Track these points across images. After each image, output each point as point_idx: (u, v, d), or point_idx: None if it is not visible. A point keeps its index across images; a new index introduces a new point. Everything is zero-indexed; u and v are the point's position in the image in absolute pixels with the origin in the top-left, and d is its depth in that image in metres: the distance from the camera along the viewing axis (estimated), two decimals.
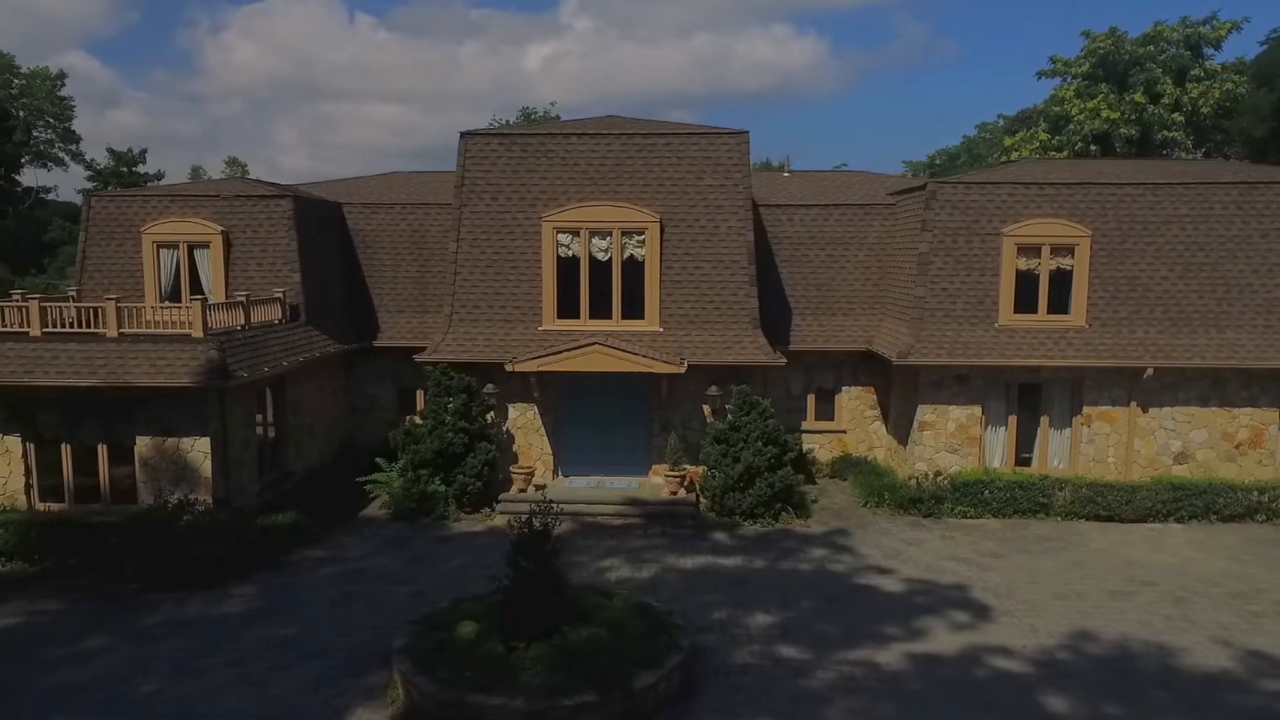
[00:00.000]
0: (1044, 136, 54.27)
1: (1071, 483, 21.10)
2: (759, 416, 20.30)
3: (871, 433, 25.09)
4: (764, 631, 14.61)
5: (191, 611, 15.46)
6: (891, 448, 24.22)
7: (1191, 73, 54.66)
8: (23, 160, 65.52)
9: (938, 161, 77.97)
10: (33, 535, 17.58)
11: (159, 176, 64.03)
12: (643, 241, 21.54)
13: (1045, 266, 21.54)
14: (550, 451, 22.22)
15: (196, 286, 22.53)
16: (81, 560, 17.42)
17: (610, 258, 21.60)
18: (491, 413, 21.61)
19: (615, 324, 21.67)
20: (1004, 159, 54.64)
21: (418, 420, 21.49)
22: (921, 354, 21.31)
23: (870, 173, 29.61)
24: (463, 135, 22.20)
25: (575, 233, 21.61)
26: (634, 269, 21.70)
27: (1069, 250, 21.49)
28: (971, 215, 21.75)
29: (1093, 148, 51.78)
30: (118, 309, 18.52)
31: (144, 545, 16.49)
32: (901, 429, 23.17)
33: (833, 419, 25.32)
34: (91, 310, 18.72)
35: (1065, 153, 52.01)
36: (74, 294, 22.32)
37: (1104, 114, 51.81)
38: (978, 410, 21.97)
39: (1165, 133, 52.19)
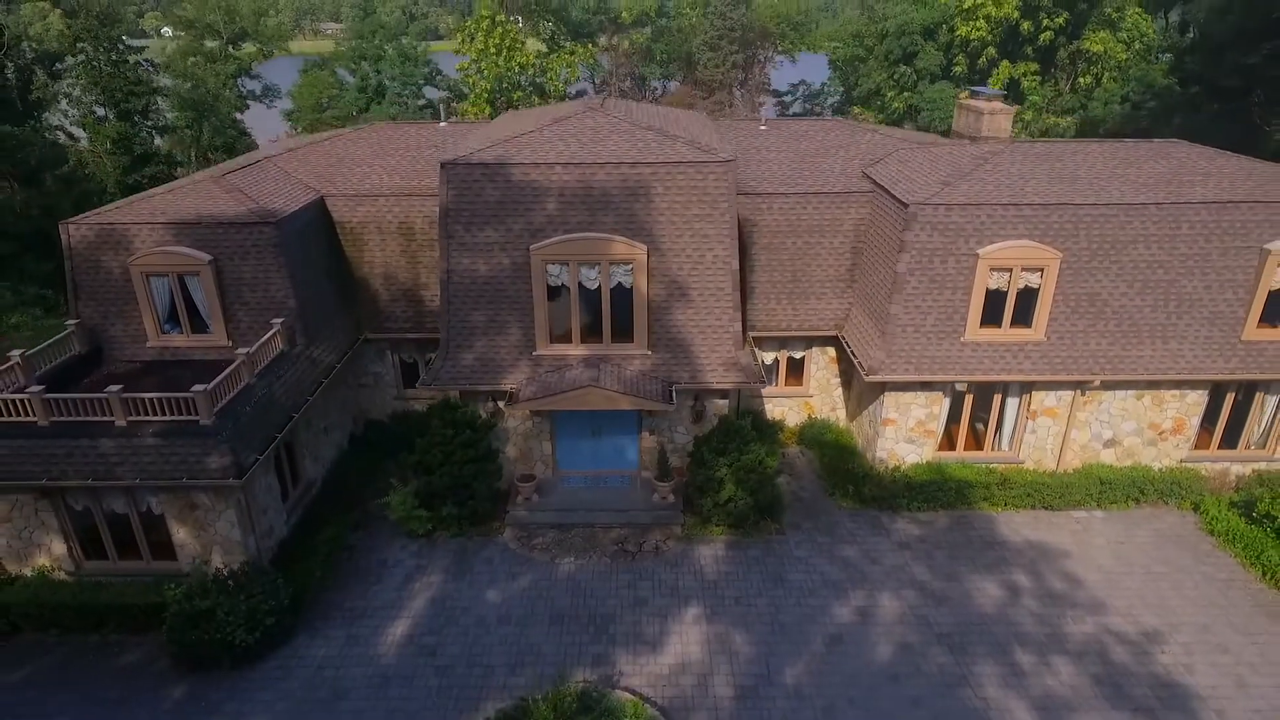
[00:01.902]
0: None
1: (1010, 480, 20.44)
2: (739, 447, 18.92)
3: (836, 398, 23.85)
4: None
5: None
6: (854, 413, 23.11)
7: None
8: None
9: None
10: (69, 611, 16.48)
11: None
12: (630, 270, 18.88)
13: (1014, 284, 19.41)
14: (550, 453, 20.86)
15: (194, 310, 19.69)
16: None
17: (599, 285, 19.01)
18: (494, 428, 19.99)
19: (606, 347, 19.53)
20: (958, 6, 48.69)
21: (427, 441, 19.76)
22: (891, 369, 19.66)
23: (845, 121, 25.68)
24: (443, 165, 18.56)
25: (564, 263, 18.83)
26: (623, 294, 19.19)
27: (1039, 270, 19.28)
28: (950, 237, 19.20)
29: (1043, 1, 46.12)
30: (122, 400, 16.11)
31: (182, 638, 15.47)
32: (864, 404, 21.94)
33: (801, 384, 23.93)
34: (97, 401, 16.25)
35: (1014, 3, 46.32)
36: (73, 327, 19.44)
37: None
38: (936, 408, 20.72)
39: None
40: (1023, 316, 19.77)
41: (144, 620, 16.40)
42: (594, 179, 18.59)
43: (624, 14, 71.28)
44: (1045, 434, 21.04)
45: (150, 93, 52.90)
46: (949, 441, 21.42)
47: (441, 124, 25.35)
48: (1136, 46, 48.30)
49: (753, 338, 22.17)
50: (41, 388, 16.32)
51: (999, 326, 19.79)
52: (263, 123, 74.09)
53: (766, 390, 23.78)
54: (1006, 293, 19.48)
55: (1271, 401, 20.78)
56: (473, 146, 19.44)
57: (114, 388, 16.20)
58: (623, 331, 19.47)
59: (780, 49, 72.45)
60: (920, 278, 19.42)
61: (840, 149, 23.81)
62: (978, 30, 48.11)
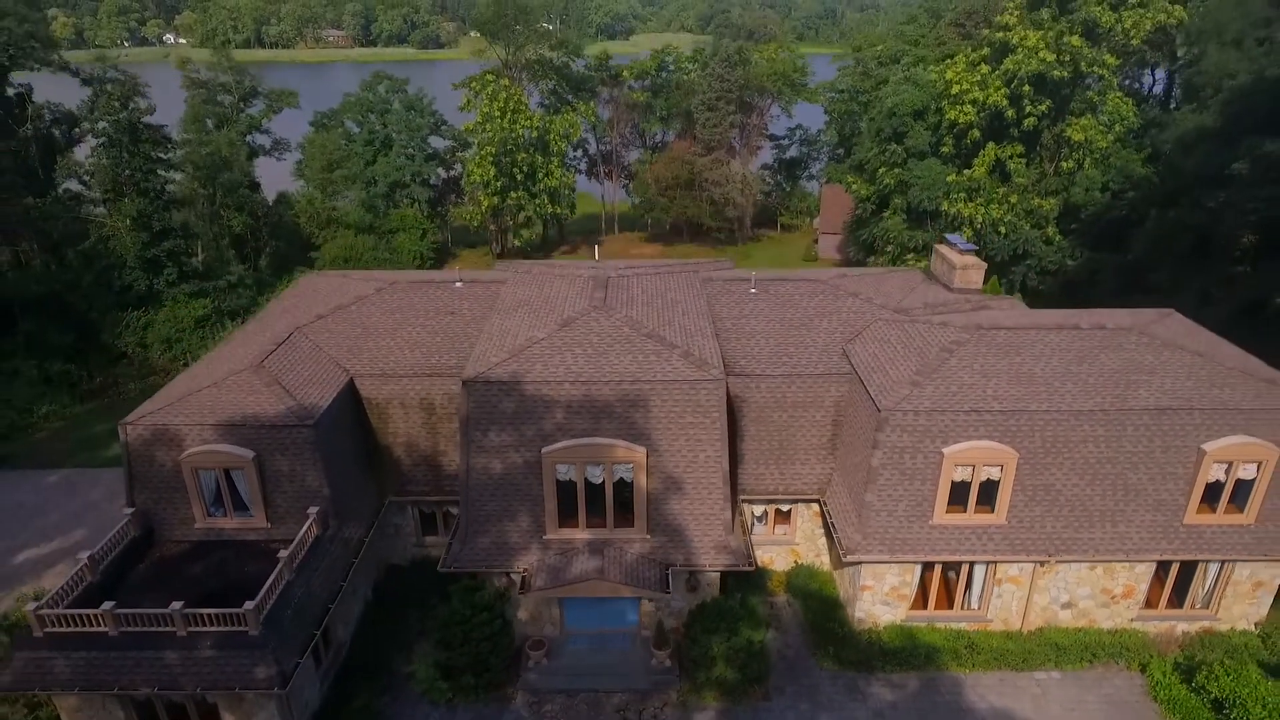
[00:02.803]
0: (985, 70, 49.73)
1: (977, 645, 22.57)
2: (729, 628, 21.05)
3: (820, 545, 25.98)
4: None
5: None
6: (836, 562, 25.20)
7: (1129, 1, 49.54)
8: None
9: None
10: None
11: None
12: (631, 468, 20.99)
13: (977, 477, 21.50)
14: (559, 616, 22.99)
15: (237, 496, 21.81)
16: None
17: (603, 480, 21.12)
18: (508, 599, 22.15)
19: (609, 532, 21.67)
20: (945, 92, 50.49)
21: (449, 608, 21.84)
22: (866, 551, 21.80)
23: (827, 281, 27.47)
24: (465, 383, 20.68)
25: (572, 463, 20.94)
26: (624, 487, 21.32)
27: (999, 465, 21.36)
28: (918, 437, 21.29)
29: (1026, 88, 47.89)
30: (183, 615, 18.24)
31: None
32: (844, 563, 24.02)
33: (788, 532, 26.04)
34: (161, 615, 18.35)
35: (1001, 93, 48.14)
36: (130, 514, 21.55)
37: (1041, 55, 47.33)
38: (909, 576, 22.86)
39: (1095, 69, 48.10)
40: (986, 501, 21.87)
41: None
42: (598, 393, 20.70)
43: (625, 72, 73.00)
44: (1010, 597, 23.18)
45: (168, 168, 54.69)
46: (923, 599, 23.58)
47: (457, 284, 27.37)
48: (1118, 129, 50.06)
49: (742, 500, 24.32)
50: (112, 604, 18.46)
51: (964, 511, 21.91)
52: (272, 174, 76.15)
53: (756, 537, 25.90)
54: (970, 483, 21.58)
55: (1213, 569, 22.90)
56: (490, 359, 21.50)
57: (176, 604, 18.34)
58: (624, 518, 21.60)
59: (778, 103, 74.21)
60: (892, 471, 21.52)
61: (823, 317, 25.82)
62: (964, 115, 49.94)
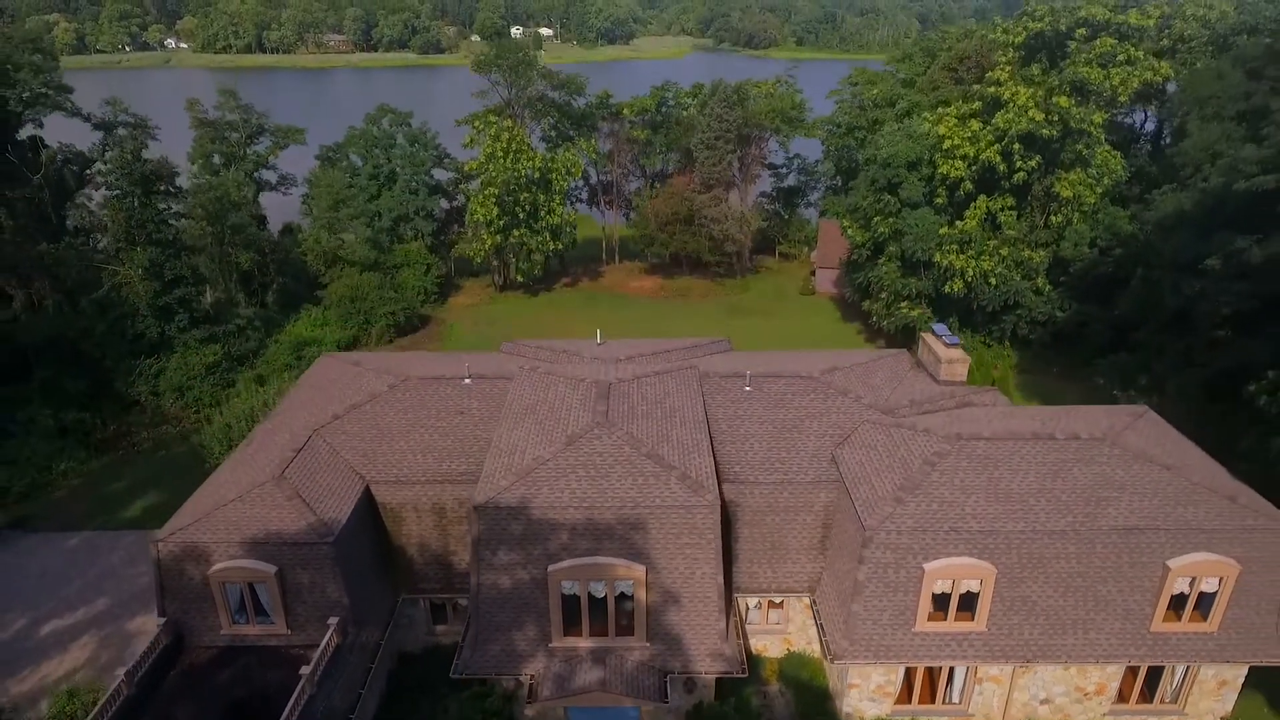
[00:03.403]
0: (975, 127, 50.92)
1: None
2: None
3: (811, 635, 27.34)
4: None
5: None
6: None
7: (1117, 58, 50.74)
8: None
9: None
10: None
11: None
12: (631, 584, 22.35)
13: (957, 590, 22.86)
14: (564, 714, 24.39)
15: (261, 608, 23.18)
16: None
17: (605, 595, 22.49)
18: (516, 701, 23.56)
19: (610, 640, 23.06)
20: (938, 145, 51.68)
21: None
22: (853, 656, 23.18)
23: (817, 379, 28.71)
24: (475, 508, 22.05)
25: (576, 580, 22.30)
26: (625, 600, 22.70)
27: (978, 579, 22.72)
28: (901, 553, 22.65)
29: (1016, 146, 49.12)
30: None
31: None
32: None
33: (781, 621, 27.41)
34: None
35: (993, 149, 49.36)
36: (161, 624, 22.92)
37: (1031, 114, 48.53)
38: (894, 675, 24.25)
39: (1083, 125, 49.25)
40: (967, 609, 23.23)
41: None
42: (600, 516, 22.06)
43: (625, 110, 74.09)
44: (991, 694, 24.58)
45: (178, 217, 55.88)
46: (908, 694, 24.97)
47: (465, 380, 28.65)
48: (1106, 182, 51.26)
49: (737, 595, 25.71)
50: None
51: (946, 619, 23.27)
52: (277, 202, 77.45)
53: (750, 626, 27.29)
54: (951, 594, 22.94)
55: (1180, 668, 24.29)
56: (499, 482, 22.84)
57: None
58: (625, 628, 22.97)
59: (775, 138, 75.32)
60: (876, 584, 22.88)
61: (814, 419, 27.08)
62: (956, 170, 51.15)
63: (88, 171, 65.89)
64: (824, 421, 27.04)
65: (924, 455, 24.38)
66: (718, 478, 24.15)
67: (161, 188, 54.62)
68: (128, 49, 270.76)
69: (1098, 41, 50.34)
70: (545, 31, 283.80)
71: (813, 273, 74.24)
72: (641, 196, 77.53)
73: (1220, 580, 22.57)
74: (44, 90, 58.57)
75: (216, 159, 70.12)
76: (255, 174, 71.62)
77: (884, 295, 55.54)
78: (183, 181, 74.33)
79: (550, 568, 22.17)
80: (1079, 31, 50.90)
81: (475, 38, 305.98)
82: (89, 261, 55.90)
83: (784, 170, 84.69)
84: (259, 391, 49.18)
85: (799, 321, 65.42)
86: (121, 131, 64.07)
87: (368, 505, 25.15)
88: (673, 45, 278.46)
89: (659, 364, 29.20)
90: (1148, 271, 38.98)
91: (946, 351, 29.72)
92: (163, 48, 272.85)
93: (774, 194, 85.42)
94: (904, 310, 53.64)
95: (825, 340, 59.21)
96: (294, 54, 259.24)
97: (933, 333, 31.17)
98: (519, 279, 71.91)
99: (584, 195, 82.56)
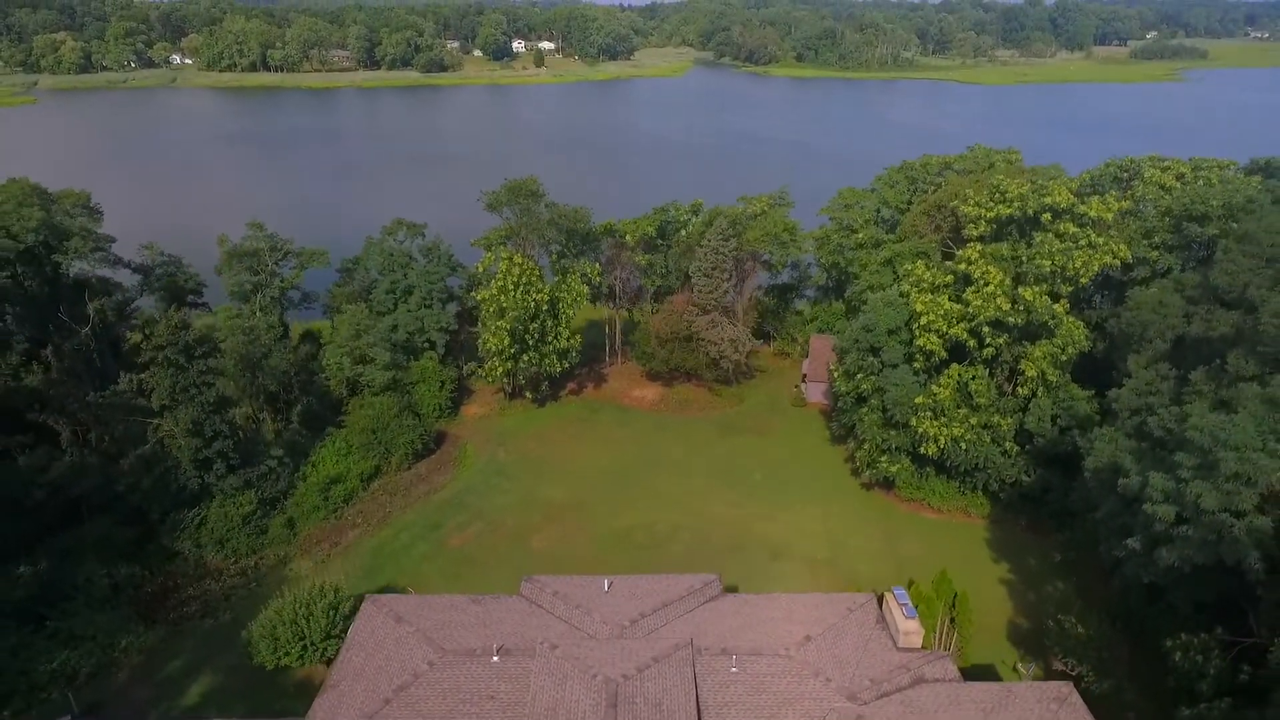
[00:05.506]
0: (947, 305, 55.34)
1: None
2: None
3: None
4: None
5: None
6: None
7: (1080, 243, 55.00)
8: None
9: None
10: None
11: None
12: None
13: None
14: None
15: None
16: None
17: None
18: None
19: None
20: (915, 316, 56.18)
21: None
22: None
23: (795, 660, 33.58)
24: None
25: None
26: None
27: None
28: None
29: (985, 328, 53.66)
30: None
31: None
32: None
33: None
34: None
35: (962, 327, 53.84)
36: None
37: (998, 302, 52.98)
38: None
39: (1045, 318, 53.54)
40: None
41: None
42: None
43: (627, 236, 78.37)
44: None
45: (217, 375, 60.39)
46: None
47: (494, 659, 33.48)
48: (1070, 352, 55.64)
49: None
50: None
51: None
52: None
53: None
54: None
55: None
56: None
57: None
58: None
59: (770, 259, 79.82)
60: None
61: (790, 704, 32.01)
62: (931, 343, 55.70)
63: (129, 308, 70.59)
64: (797, 709, 31.98)
65: None
66: None
67: (201, 351, 59.10)
68: (133, 65, 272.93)
69: (1060, 225, 54.65)
70: (547, 45, 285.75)
71: (804, 378, 78.93)
72: (642, 311, 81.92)
73: None
74: (88, 246, 63.09)
75: (247, 285, 74.10)
76: (281, 297, 76.00)
77: (866, 445, 60.20)
78: (210, 295, 79.25)
79: None
80: (1045, 216, 55.12)
81: (478, 53, 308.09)
82: (134, 416, 60.50)
83: (778, 269, 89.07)
84: (296, 562, 53.93)
85: (789, 445, 70.22)
86: (159, 271, 68.83)
87: None
88: (674, 58, 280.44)
89: (656, 645, 34.01)
90: (1089, 513, 43.81)
91: (905, 624, 34.57)
92: (168, 65, 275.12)
93: (768, 291, 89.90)
94: (883, 465, 58.39)
95: (814, 475, 64.45)
96: (298, 72, 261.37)
97: (894, 595, 35.97)
98: (530, 396, 76.53)
99: (588, 295, 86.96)
